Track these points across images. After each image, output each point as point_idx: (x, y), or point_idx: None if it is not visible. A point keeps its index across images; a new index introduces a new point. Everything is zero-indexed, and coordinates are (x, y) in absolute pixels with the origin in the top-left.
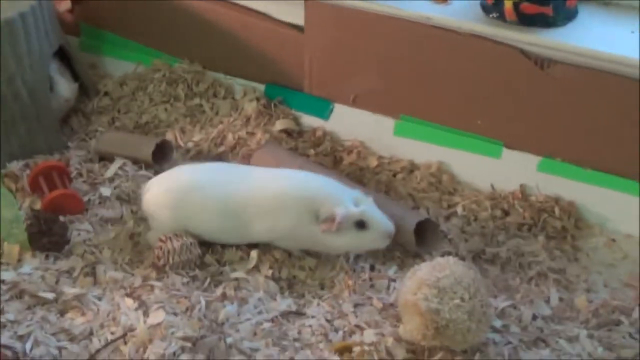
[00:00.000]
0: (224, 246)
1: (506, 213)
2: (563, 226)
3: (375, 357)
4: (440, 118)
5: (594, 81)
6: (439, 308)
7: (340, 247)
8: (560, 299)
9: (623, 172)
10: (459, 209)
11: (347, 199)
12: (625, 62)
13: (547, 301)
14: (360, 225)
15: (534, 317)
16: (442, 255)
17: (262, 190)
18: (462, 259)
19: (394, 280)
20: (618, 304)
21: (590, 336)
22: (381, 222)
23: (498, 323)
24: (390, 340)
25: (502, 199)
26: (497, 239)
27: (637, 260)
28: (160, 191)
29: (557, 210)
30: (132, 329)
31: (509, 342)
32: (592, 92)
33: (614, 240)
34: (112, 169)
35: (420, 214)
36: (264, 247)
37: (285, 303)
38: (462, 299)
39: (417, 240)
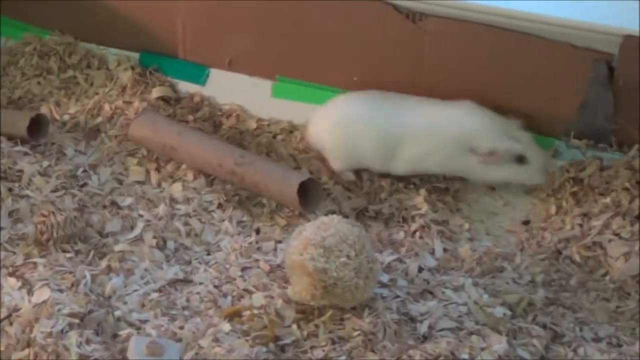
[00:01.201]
0: (105, 218)
1: None
2: (444, 178)
3: (265, 320)
4: (317, 77)
5: (467, 33)
6: (326, 267)
7: (495, 179)
8: (445, 250)
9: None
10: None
11: (505, 133)
12: (496, 12)
13: (432, 253)
14: (520, 159)
15: (420, 270)
16: (326, 214)
17: (418, 119)
18: (346, 216)
19: (280, 242)
20: (500, 251)
21: (475, 284)
22: (541, 155)
23: (385, 278)
24: (279, 302)
25: None
26: (379, 196)
27: (518, 206)
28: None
29: None
30: (16, 309)
31: (397, 296)
32: (465, 43)
33: (493, 188)
34: None
35: (303, 173)
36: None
37: (172, 271)
38: (349, 257)
39: (301, 201)
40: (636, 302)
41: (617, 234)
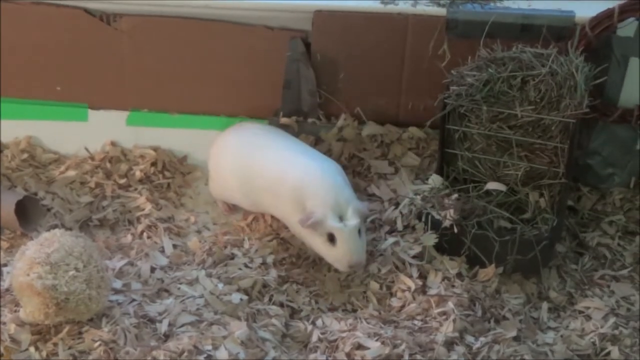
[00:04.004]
0: None
1: (108, 175)
2: (163, 174)
3: (0, 348)
4: (20, 92)
5: (163, 28)
6: (55, 283)
7: (309, 245)
8: (174, 246)
9: (209, 110)
10: (60, 181)
11: (340, 207)
12: (188, 4)
13: (162, 251)
14: (331, 238)
15: (153, 270)
16: (49, 230)
17: (270, 168)
18: (70, 229)
19: (6, 265)
20: (229, 238)
21: (209, 275)
22: (349, 249)
23: (118, 284)
24: (12, 327)
25: (101, 160)
26: (101, 203)
27: None
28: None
29: (159, 162)
30: None
31: (133, 300)
32: (161, 38)
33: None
34: None
35: (18, 192)
36: None
37: None
38: (77, 269)
39: (21, 220)
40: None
41: None
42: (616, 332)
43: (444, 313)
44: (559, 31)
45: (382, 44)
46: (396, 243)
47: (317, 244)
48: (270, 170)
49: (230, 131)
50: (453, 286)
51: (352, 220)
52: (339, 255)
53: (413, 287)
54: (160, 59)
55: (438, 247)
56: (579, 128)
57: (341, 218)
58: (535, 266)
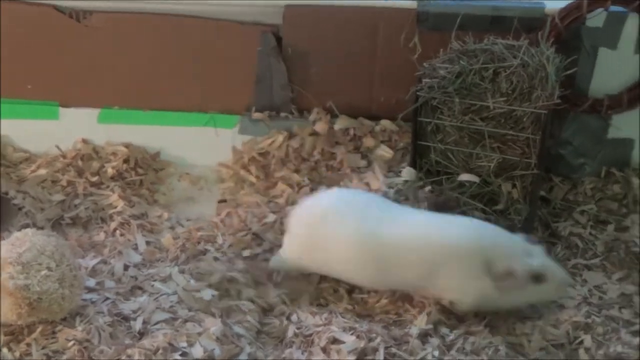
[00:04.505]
0: None
1: (80, 173)
2: (136, 171)
3: None
4: None
5: (131, 24)
6: (27, 283)
7: (513, 302)
8: (148, 243)
9: (180, 107)
10: (31, 180)
11: (518, 249)
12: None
13: (135, 248)
14: (537, 278)
15: (126, 267)
16: (20, 229)
17: (422, 236)
18: (42, 228)
19: None
20: (202, 234)
21: (182, 271)
22: (557, 272)
23: (92, 282)
24: None
25: (72, 158)
26: (73, 202)
27: (213, 189)
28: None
29: (131, 159)
30: None
31: (107, 298)
32: (131, 34)
33: (187, 173)
34: None
35: None
36: None
37: None
38: (49, 269)
39: None
40: None
41: None
42: (589, 320)
43: (419, 306)
44: (529, 23)
45: (353, 37)
46: None
47: (525, 294)
48: (423, 239)
49: (333, 198)
50: None
51: (538, 250)
52: (556, 284)
53: None
54: (131, 56)
55: None
56: (550, 119)
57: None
58: None
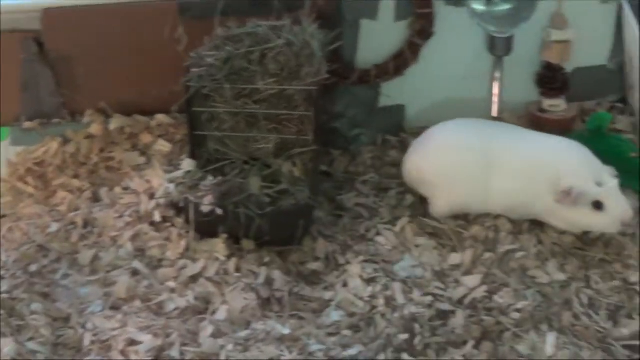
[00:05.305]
0: None
1: None
2: None
3: None
4: None
5: None
6: None
7: (570, 223)
8: None
9: None
10: None
11: (592, 175)
12: None
13: None
14: (597, 206)
15: None
16: None
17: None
18: None
19: None
20: None
21: None
22: (619, 206)
23: None
24: None
25: None
26: None
27: None
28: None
29: None
30: None
31: None
32: None
33: None
34: None
35: None
36: None
37: None
38: None
39: None
40: None
41: None
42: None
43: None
44: (290, 3)
45: (117, 35)
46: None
47: (582, 217)
48: (520, 157)
49: (441, 132)
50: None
51: (612, 181)
52: (613, 216)
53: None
54: None
55: (203, 233)
56: (321, 94)
57: (599, 184)
58: (297, 235)
